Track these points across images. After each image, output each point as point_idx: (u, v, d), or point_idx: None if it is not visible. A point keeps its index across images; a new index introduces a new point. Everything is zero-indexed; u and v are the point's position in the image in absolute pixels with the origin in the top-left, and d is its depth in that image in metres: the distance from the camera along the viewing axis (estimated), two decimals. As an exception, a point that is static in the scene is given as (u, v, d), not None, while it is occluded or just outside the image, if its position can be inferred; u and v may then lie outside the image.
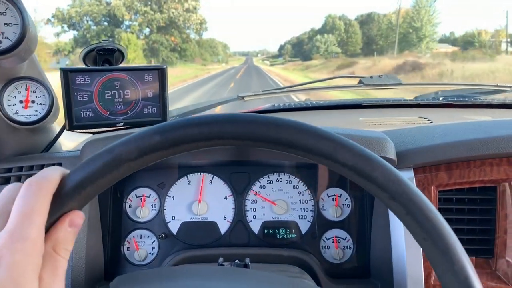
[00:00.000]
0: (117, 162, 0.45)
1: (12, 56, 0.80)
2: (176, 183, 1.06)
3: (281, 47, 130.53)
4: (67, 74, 0.90)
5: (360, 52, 69.26)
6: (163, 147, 0.46)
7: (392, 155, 0.89)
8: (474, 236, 0.91)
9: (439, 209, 0.90)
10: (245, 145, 0.48)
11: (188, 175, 1.07)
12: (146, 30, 67.10)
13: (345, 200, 1.05)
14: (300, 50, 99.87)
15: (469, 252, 0.88)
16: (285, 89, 1.70)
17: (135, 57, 46.60)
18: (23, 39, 0.79)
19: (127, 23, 64.60)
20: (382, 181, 0.45)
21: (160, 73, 0.98)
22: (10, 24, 0.79)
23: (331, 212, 1.04)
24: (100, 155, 0.45)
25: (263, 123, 0.47)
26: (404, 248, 0.87)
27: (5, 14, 0.79)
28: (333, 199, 1.05)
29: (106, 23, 61.99)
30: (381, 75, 1.50)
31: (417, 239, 0.46)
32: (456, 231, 0.89)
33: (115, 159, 0.45)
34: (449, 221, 0.88)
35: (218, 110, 1.84)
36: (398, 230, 0.89)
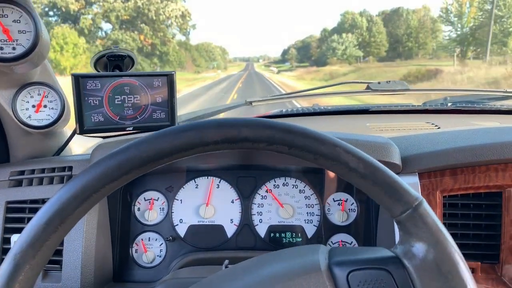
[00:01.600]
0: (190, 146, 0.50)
1: (26, 62, 0.82)
2: (184, 186, 1.08)
3: (285, 52, 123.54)
4: (78, 80, 0.93)
5: (385, 55, 56.87)
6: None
7: (397, 160, 0.90)
8: (480, 241, 0.91)
9: (444, 214, 0.90)
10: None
11: (195, 179, 1.08)
12: (107, 27, 48.77)
13: (351, 204, 1.06)
14: (306, 54, 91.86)
15: (475, 257, 0.89)
16: (293, 95, 1.72)
17: (74, 64, 32.27)
18: (36, 46, 0.82)
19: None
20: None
21: (169, 79, 1.00)
22: (23, 31, 0.82)
23: (337, 217, 1.05)
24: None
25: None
26: None
27: (19, 22, 0.81)
28: (339, 204, 1.06)
29: (54, 18, 44.72)
30: (389, 81, 1.51)
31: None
32: (462, 236, 0.90)
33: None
34: (454, 226, 0.89)
35: (223, 115, 1.84)
36: None
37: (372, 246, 1.01)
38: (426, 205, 0.50)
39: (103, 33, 48.13)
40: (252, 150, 0.51)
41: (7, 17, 0.80)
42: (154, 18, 49.70)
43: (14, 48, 0.81)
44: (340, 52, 62.34)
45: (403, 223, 0.50)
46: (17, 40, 0.81)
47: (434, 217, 0.49)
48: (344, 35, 63.31)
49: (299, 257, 0.56)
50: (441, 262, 0.48)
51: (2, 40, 0.80)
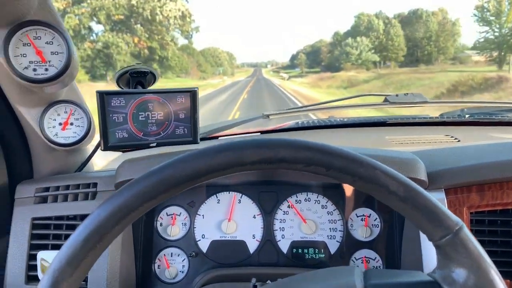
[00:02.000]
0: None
1: (57, 82, 0.84)
2: (206, 202, 1.08)
3: (293, 57, 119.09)
4: (103, 97, 0.94)
5: (402, 60, 51.53)
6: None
7: (423, 177, 0.90)
8: (508, 258, 0.89)
9: (471, 231, 0.89)
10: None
11: (217, 194, 1.08)
12: (99, 28, 43.51)
13: (375, 220, 1.05)
14: (316, 59, 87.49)
15: (504, 274, 0.87)
16: (309, 108, 1.72)
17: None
18: (68, 67, 0.83)
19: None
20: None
21: (192, 95, 1.01)
22: (56, 53, 0.83)
23: (360, 232, 1.04)
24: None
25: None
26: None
27: (52, 43, 0.83)
28: (362, 219, 1.05)
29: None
30: (407, 93, 1.50)
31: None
32: (489, 253, 0.88)
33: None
34: (481, 243, 0.87)
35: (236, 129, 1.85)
36: (430, 250, 0.88)
37: (398, 265, 1.00)
38: (466, 230, 0.49)
39: (94, 35, 42.14)
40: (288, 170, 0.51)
41: (40, 39, 0.82)
42: (150, 18, 44.06)
43: (46, 69, 0.83)
44: (354, 57, 57.11)
45: (443, 248, 0.50)
46: (49, 61, 0.83)
47: (475, 242, 0.49)
48: (358, 38, 57.86)
49: (334, 279, 0.56)
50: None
51: (36, 62, 0.82)
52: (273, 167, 0.51)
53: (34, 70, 0.82)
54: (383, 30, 56.59)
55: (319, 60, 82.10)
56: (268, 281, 0.87)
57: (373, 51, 56.70)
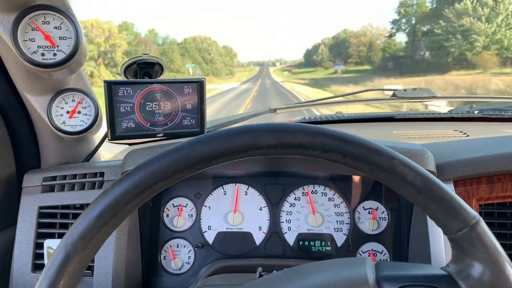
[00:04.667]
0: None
1: (65, 68, 0.84)
2: (212, 193, 1.08)
3: (309, 53, 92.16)
4: (111, 86, 0.94)
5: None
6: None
7: (432, 167, 0.89)
8: None
9: None
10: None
11: (223, 186, 1.08)
12: None
13: (382, 213, 1.04)
14: (341, 53, 68.27)
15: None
16: (316, 102, 1.71)
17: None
18: (76, 52, 0.83)
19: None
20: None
21: (199, 86, 1.01)
22: (64, 38, 0.83)
23: (367, 225, 1.04)
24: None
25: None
26: (444, 261, 0.85)
27: (60, 28, 0.83)
28: (369, 212, 1.05)
29: None
30: (415, 88, 1.49)
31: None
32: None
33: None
34: None
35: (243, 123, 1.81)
36: (438, 243, 0.87)
37: (405, 258, 0.99)
38: (483, 224, 0.48)
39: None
40: (303, 156, 0.51)
41: (49, 23, 0.82)
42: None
43: (55, 54, 0.83)
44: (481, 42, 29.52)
45: (458, 242, 0.49)
46: (58, 46, 0.83)
47: (492, 236, 0.48)
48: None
49: (346, 269, 0.55)
50: (498, 283, 0.46)
51: (44, 47, 0.82)
52: (289, 152, 0.50)
53: (43, 54, 0.82)
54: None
55: (348, 54, 64.01)
56: (274, 271, 0.86)
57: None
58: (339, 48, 70.55)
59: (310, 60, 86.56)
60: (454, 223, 0.48)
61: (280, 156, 0.50)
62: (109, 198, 0.47)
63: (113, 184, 0.48)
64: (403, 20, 45.81)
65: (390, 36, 49.19)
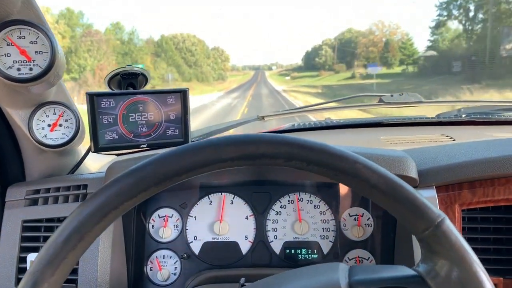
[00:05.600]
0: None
1: (42, 82, 0.84)
2: (198, 203, 1.08)
3: (310, 55, 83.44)
4: (93, 98, 0.93)
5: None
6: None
7: (414, 174, 0.89)
8: (501, 256, 0.88)
9: (463, 228, 0.89)
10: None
11: (209, 195, 1.08)
12: None
13: (367, 219, 1.04)
14: (344, 55, 61.52)
15: (496, 272, 0.87)
16: (304, 109, 1.72)
17: None
18: (52, 66, 0.83)
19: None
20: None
21: (183, 96, 1.01)
22: (40, 52, 0.84)
23: (353, 232, 1.04)
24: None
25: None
26: None
27: (36, 43, 0.83)
28: (355, 219, 1.05)
29: None
30: (402, 93, 1.50)
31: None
32: (482, 250, 0.88)
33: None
34: (474, 240, 0.87)
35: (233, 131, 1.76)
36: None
37: (391, 264, 0.99)
38: (448, 222, 0.49)
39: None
40: (268, 166, 0.51)
41: (24, 38, 0.82)
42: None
43: (31, 69, 0.83)
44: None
45: (425, 241, 0.49)
46: (34, 61, 0.83)
47: (457, 234, 0.48)
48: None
49: (319, 275, 0.55)
50: (465, 281, 0.46)
51: (20, 61, 0.82)
52: (254, 163, 0.51)
53: (18, 69, 0.82)
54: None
55: (353, 55, 55.99)
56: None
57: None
58: (346, 48, 63.29)
59: (311, 63, 78.26)
60: (419, 222, 0.49)
61: (248, 166, 0.50)
62: (75, 221, 0.47)
63: (79, 206, 0.48)
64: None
65: (437, 26, 36.52)
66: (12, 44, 0.81)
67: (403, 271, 0.53)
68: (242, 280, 0.82)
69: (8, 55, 0.81)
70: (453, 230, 0.49)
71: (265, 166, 0.52)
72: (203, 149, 0.49)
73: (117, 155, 1.47)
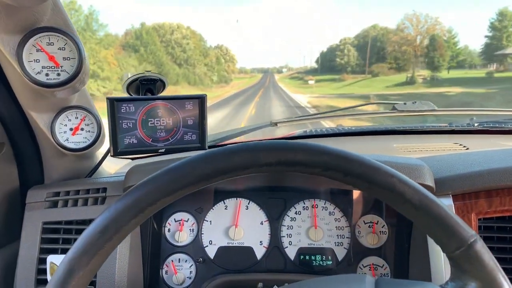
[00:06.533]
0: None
1: (69, 87, 0.86)
2: (213, 208, 1.09)
3: (324, 56, 75.12)
4: (113, 103, 0.95)
5: None
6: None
7: (430, 182, 0.89)
8: None
9: (480, 238, 0.89)
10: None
11: (225, 200, 1.09)
12: None
13: (382, 227, 1.05)
14: (363, 53, 54.26)
15: (513, 282, 0.87)
16: (317, 116, 1.73)
17: None
18: (79, 72, 0.85)
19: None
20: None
21: (200, 102, 1.02)
22: (68, 58, 0.86)
23: (368, 239, 1.04)
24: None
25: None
26: (444, 276, 0.86)
27: (64, 49, 0.85)
28: (370, 226, 1.05)
29: None
30: (415, 101, 1.50)
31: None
32: (498, 260, 0.87)
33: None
34: (490, 249, 0.86)
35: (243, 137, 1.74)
36: (438, 257, 0.88)
37: (406, 273, 0.99)
38: (482, 242, 0.49)
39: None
40: (302, 173, 0.52)
41: (53, 44, 0.84)
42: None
43: (58, 74, 0.85)
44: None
45: (456, 260, 0.49)
46: (61, 66, 0.85)
47: (490, 255, 0.48)
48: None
49: (345, 286, 0.55)
50: None
51: (48, 67, 0.84)
52: (290, 170, 0.52)
53: (47, 75, 0.84)
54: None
55: (379, 55, 48.76)
56: (275, 287, 0.87)
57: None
58: (362, 48, 55.72)
59: (328, 65, 67.74)
60: (451, 241, 0.49)
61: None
62: (113, 213, 0.49)
63: (118, 200, 0.50)
64: None
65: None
66: (41, 50, 0.83)
67: None
68: (260, 285, 0.83)
69: (37, 61, 0.83)
70: (486, 250, 0.49)
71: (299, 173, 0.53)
72: (241, 152, 0.50)
73: (132, 159, 1.49)
